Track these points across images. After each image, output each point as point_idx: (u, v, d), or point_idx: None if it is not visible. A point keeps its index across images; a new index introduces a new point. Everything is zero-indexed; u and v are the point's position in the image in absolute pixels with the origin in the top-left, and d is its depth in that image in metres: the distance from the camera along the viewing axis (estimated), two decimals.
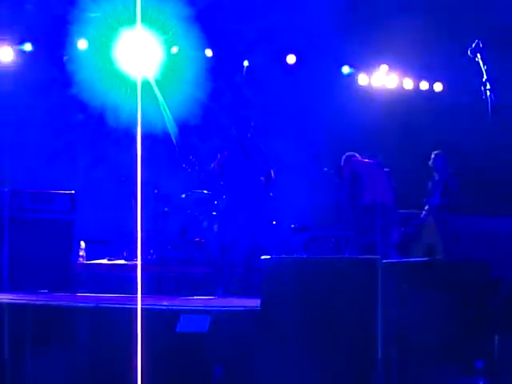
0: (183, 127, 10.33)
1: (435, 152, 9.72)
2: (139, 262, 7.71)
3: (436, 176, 9.67)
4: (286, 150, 11.01)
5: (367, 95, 11.97)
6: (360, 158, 9.25)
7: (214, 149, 8.89)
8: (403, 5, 10.31)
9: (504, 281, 5.21)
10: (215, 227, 8.98)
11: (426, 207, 9.60)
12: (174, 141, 10.05)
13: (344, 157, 9.31)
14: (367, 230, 8.63)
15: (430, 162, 9.69)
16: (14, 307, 5.24)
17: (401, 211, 9.59)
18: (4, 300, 5.49)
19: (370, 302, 4.30)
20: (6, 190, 7.62)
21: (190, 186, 9.81)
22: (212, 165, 8.34)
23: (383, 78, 12.11)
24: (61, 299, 5.87)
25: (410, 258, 7.52)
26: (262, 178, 8.31)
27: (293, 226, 10.48)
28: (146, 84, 9.58)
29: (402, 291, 4.56)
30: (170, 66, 10.49)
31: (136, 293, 4.67)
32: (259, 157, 8.23)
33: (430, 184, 9.67)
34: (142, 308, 4.49)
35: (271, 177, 8.36)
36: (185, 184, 9.89)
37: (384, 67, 12.01)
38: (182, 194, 9.71)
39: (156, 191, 9.77)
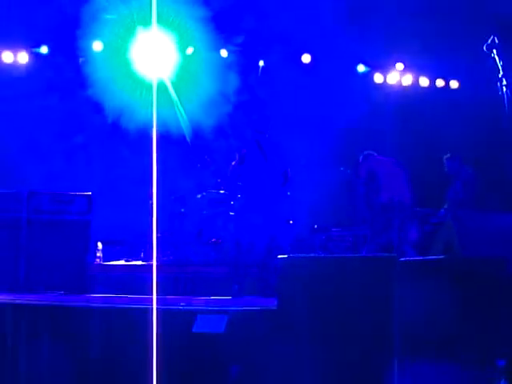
0: (198, 128, 10.34)
1: (445, 157, 9.65)
2: (155, 263, 7.71)
3: (451, 179, 9.60)
4: (302, 149, 10.98)
5: (383, 93, 11.94)
6: (377, 156, 9.20)
7: (230, 149, 8.88)
8: (418, 3, 10.25)
9: None
10: (231, 227, 8.96)
11: (445, 206, 9.55)
12: (189, 142, 10.07)
13: (362, 155, 9.27)
14: (384, 229, 8.60)
15: (445, 168, 9.63)
16: (31, 308, 5.26)
17: (419, 209, 9.54)
18: (21, 301, 5.51)
19: (386, 300, 4.28)
20: (23, 191, 7.65)
21: (205, 187, 9.81)
22: (233, 163, 8.31)
23: (399, 76, 12.06)
24: (77, 300, 5.89)
25: (428, 256, 7.48)
26: (280, 178, 8.28)
27: (316, 226, 10.47)
28: (161, 85, 9.60)
29: (420, 289, 4.53)
30: (185, 67, 10.50)
31: (152, 293, 4.68)
32: (277, 156, 8.20)
33: (449, 189, 9.60)
34: (158, 309, 4.49)
35: (288, 176, 8.34)
36: (200, 184, 9.89)
37: (399, 65, 11.96)
38: (198, 194, 9.71)
39: (183, 210, 9.74)
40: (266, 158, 8.09)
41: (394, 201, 8.67)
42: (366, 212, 8.90)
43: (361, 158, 9.26)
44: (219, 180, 9.71)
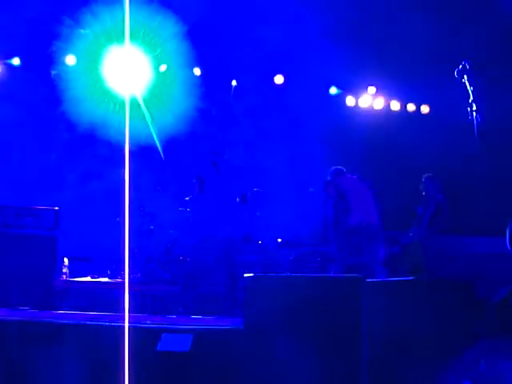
0: (171, 145, 10.32)
1: (425, 175, 9.71)
2: (127, 281, 7.65)
3: (426, 200, 9.65)
4: (273, 168, 11.02)
5: (355, 116, 12.02)
6: (346, 174, 9.14)
7: (188, 170, 8.87)
8: (391, 27, 10.36)
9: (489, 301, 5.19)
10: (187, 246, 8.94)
11: (414, 227, 9.59)
12: (162, 156, 10.04)
13: (330, 171, 9.17)
14: (352, 249, 8.59)
15: (421, 187, 9.68)
16: None
17: (387, 231, 9.57)
18: None
19: (353, 321, 4.27)
20: None
21: (175, 204, 9.78)
22: (194, 193, 8.33)
23: (370, 100, 12.16)
24: (43, 316, 5.80)
25: (396, 277, 7.50)
26: (238, 199, 8.30)
27: (279, 240, 10.46)
28: (134, 101, 9.58)
29: (387, 311, 4.53)
30: (158, 84, 10.49)
31: (121, 311, 4.62)
32: (234, 178, 8.21)
33: (419, 209, 9.65)
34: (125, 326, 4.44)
35: (247, 199, 8.36)
36: (170, 202, 9.86)
37: (371, 89, 12.07)
38: (166, 211, 9.68)
39: (142, 209, 9.73)
40: (221, 179, 8.10)
41: (362, 225, 8.65)
42: (334, 232, 8.88)
43: (329, 174, 9.16)
44: (187, 198, 9.69)
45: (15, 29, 10.03)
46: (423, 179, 9.69)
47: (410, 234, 9.59)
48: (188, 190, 8.42)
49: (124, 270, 9.05)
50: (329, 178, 9.09)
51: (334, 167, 9.14)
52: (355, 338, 4.29)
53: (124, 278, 8.93)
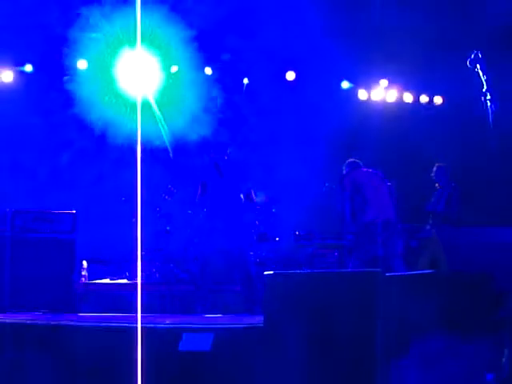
0: (183, 146, 10.34)
1: (437, 164, 9.72)
2: (139, 281, 7.68)
3: (439, 188, 9.66)
4: (287, 165, 11.02)
5: (367, 110, 11.99)
6: (363, 167, 9.09)
7: (191, 175, 8.87)
8: (402, 19, 10.32)
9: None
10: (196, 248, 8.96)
11: (430, 221, 9.57)
12: (172, 158, 10.08)
13: (346, 164, 9.12)
14: (369, 244, 8.56)
15: (432, 174, 9.70)
16: (16, 327, 5.21)
17: (404, 225, 9.55)
18: (6, 320, 5.45)
19: (371, 315, 4.26)
20: (7, 209, 7.61)
21: (187, 205, 9.81)
22: (197, 197, 8.35)
23: (383, 93, 12.13)
24: (63, 319, 5.84)
25: (415, 271, 7.48)
26: (242, 197, 8.30)
27: (297, 232, 10.46)
28: (145, 103, 9.61)
29: (405, 304, 4.52)
30: (169, 86, 10.52)
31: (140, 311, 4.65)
32: (238, 178, 8.22)
33: (433, 195, 9.66)
34: (144, 327, 4.45)
35: (252, 197, 8.38)
36: (184, 202, 9.89)
37: (384, 82, 12.03)
38: (181, 212, 9.71)
39: (158, 209, 9.77)
40: (224, 180, 8.12)
41: (378, 219, 8.61)
42: (351, 226, 8.83)
43: (345, 167, 9.12)
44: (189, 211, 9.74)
45: (27, 36, 10.09)
46: (435, 168, 9.69)
47: (428, 228, 9.57)
48: (192, 192, 8.45)
49: (141, 271, 9.10)
50: (345, 171, 9.05)
51: (350, 160, 9.09)
52: (373, 333, 4.28)
53: (141, 279, 8.98)
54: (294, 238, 10.42)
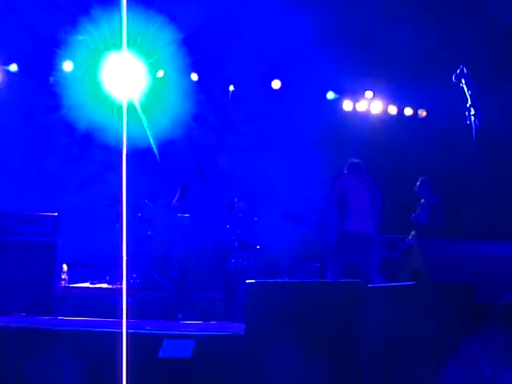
0: (168, 150, 10.33)
1: (421, 178, 9.76)
2: (124, 286, 7.64)
3: (422, 202, 9.70)
4: (270, 173, 11.03)
5: (352, 120, 12.04)
6: (361, 171, 8.91)
7: (175, 179, 8.86)
8: (388, 32, 10.38)
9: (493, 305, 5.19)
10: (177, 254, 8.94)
11: (413, 232, 9.61)
12: (159, 160, 10.04)
13: (347, 164, 8.90)
14: (346, 257, 8.54)
15: (416, 188, 9.74)
16: None
17: (385, 236, 9.57)
18: None
19: (354, 326, 4.28)
20: None
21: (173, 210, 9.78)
22: (174, 201, 8.34)
23: (368, 104, 12.19)
24: (42, 322, 5.79)
25: (395, 282, 7.50)
26: (225, 207, 8.31)
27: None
28: (131, 106, 9.59)
29: (388, 315, 4.53)
30: (155, 90, 10.51)
31: (120, 317, 4.62)
32: (221, 186, 8.23)
33: (418, 207, 9.69)
34: (127, 332, 4.43)
35: (235, 207, 8.39)
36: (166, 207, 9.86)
37: (369, 93, 12.09)
38: (162, 217, 9.67)
39: (139, 214, 9.72)
40: (208, 187, 8.12)
41: (356, 232, 8.57)
42: (334, 230, 8.77)
43: (346, 166, 8.94)
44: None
45: (13, 35, 10.04)
46: (418, 182, 9.73)
47: (410, 239, 9.61)
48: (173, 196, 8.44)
49: (124, 276, 9.05)
50: (343, 172, 8.87)
51: (352, 160, 8.92)
52: (356, 343, 4.30)
53: (122, 284, 8.93)
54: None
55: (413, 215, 9.86)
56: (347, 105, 12.19)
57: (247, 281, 4.73)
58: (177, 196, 8.19)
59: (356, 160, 8.91)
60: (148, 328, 5.26)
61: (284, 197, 10.82)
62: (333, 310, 4.37)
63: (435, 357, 4.61)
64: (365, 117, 12.15)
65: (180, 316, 7.69)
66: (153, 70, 10.64)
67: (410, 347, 4.60)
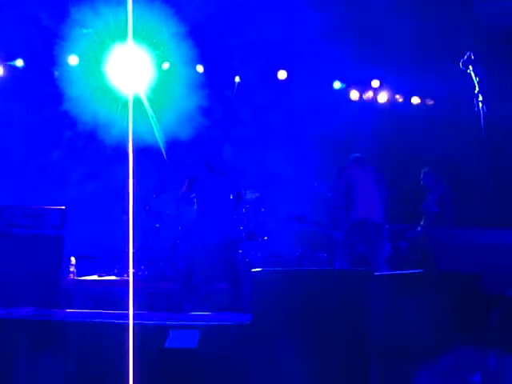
0: (175, 143, 10.32)
1: (423, 170, 9.71)
2: (131, 278, 7.64)
3: (427, 194, 9.66)
4: (277, 164, 11.01)
5: (359, 110, 12.00)
6: (364, 164, 8.96)
7: (182, 172, 8.85)
8: (394, 20, 10.33)
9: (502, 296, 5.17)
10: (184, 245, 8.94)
11: (421, 222, 9.58)
12: (165, 156, 10.04)
13: (349, 158, 8.98)
14: (354, 246, 8.55)
15: (421, 181, 9.70)
16: (4, 322, 5.18)
17: (393, 225, 9.55)
18: None
19: (361, 314, 4.26)
20: None
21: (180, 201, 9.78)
22: (181, 191, 8.35)
23: (375, 93, 12.14)
24: (50, 314, 5.81)
25: (403, 270, 7.49)
26: (231, 197, 8.30)
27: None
28: (137, 99, 9.58)
29: (394, 304, 4.52)
30: (161, 82, 10.49)
31: (127, 309, 4.62)
32: (229, 177, 8.23)
33: (424, 203, 9.64)
34: (134, 324, 4.44)
35: (242, 197, 8.40)
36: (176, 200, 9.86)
37: (375, 82, 12.04)
38: (170, 209, 9.68)
39: (147, 207, 9.74)
40: (215, 178, 8.11)
41: (363, 221, 8.59)
42: (342, 220, 8.79)
43: (348, 161, 9.00)
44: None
45: (18, 30, 10.05)
46: (422, 174, 9.69)
47: (418, 229, 9.58)
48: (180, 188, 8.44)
49: (131, 268, 9.07)
50: (345, 165, 8.95)
51: (354, 155, 9.01)
52: (363, 332, 4.28)
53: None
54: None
55: (423, 204, 9.82)
56: (354, 94, 12.15)
57: (253, 269, 4.71)
58: (184, 186, 8.19)
59: (357, 154, 8.97)
60: (154, 319, 5.27)
61: (288, 192, 10.81)
62: (339, 299, 4.35)
63: (441, 346, 4.59)
64: (372, 106, 12.12)
65: (187, 307, 7.69)
66: (158, 62, 10.63)
67: (417, 336, 4.58)
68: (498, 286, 5.29)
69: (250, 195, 9.55)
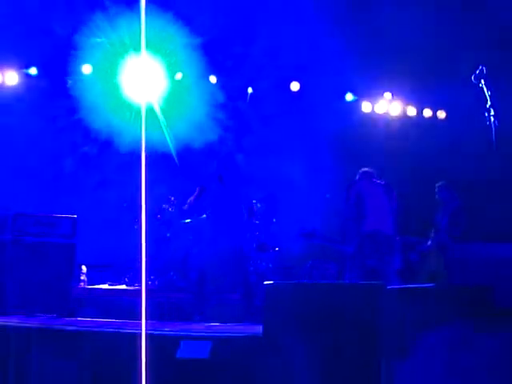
0: (187, 152, 10.35)
1: (439, 184, 9.67)
2: (144, 288, 7.64)
3: (442, 207, 9.60)
4: (289, 175, 11.01)
5: (371, 122, 12.01)
6: (373, 178, 9.02)
7: (194, 182, 8.88)
8: (406, 33, 10.35)
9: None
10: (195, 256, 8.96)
11: (432, 234, 9.55)
12: (178, 165, 10.07)
13: (359, 173, 9.07)
14: (365, 259, 8.56)
15: (436, 195, 9.64)
16: (16, 331, 5.20)
17: (405, 238, 9.54)
18: (6, 323, 5.44)
19: (374, 327, 4.25)
20: (8, 213, 7.59)
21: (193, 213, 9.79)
22: (191, 199, 8.38)
23: (386, 106, 12.15)
24: (61, 323, 5.82)
25: (415, 284, 7.47)
26: (244, 211, 8.34)
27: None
28: (150, 109, 9.62)
29: (406, 317, 4.51)
30: (174, 92, 10.53)
31: (139, 318, 4.63)
32: (241, 191, 8.26)
33: (437, 216, 9.59)
34: (146, 334, 4.45)
35: (254, 210, 8.45)
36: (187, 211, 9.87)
37: (387, 95, 12.05)
38: (186, 219, 9.69)
39: (159, 216, 9.75)
40: (226, 192, 8.14)
41: (374, 234, 8.61)
42: (353, 234, 8.82)
43: (357, 175, 9.08)
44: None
45: (32, 39, 10.11)
46: (437, 188, 9.65)
47: (429, 242, 9.55)
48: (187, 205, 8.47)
49: (141, 278, 9.08)
50: (355, 180, 9.01)
51: (363, 169, 9.07)
52: (375, 345, 4.27)
53: (140, 285, 8.96)
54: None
55: (436, 217, 9.77)
56: (366, 106, 12.16)
57: (265, 282, 4.72)
58: (194, 195, 8.23)
59: (366, 168, 9.03)
60: (166, 329, 5.28)
61: (300, 203, 10.80)
62: (351, 312, 4.35)
63: (452, 358, 4.59)
64: (384, 118, 12.12)
65: (198, 318, 7.69)
66: (171, 72, 10.67)
67: (427, 349, 4.58)
68: (510, 298, 5.29)
69: (260, 206, 9.58)
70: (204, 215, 8.61)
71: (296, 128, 11.58)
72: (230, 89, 11.41)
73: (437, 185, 9.69)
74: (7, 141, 10.45)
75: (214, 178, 8.16)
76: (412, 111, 12.21)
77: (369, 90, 11.99)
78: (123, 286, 9.24)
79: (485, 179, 10.01)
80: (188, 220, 9.67)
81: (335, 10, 10.32)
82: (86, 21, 9.89)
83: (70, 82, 10.68)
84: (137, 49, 9.53)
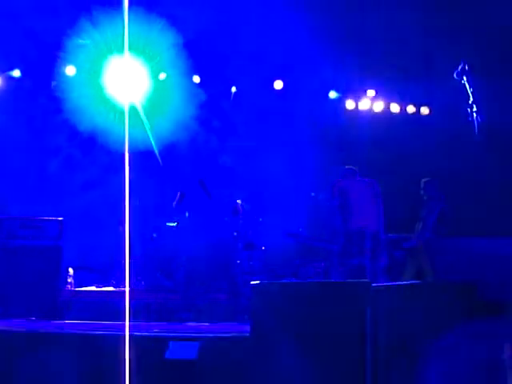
0: (171, 153, 10.34)
1: (424, 180, 9.71)
2: (127, 289, 7.66)
3: (428, 203, 9.64)
4: (274, 173, 11.03)
5: (355, 119, 12.04)
6: (356, 176, 9.09)
7: (175, 187, 8.90)
8: (389, 30, 10.39)
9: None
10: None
11: (418, 230, 9.59)
12: (161, 165, 10.06)
13: (341, 171, 9.16)
14: (352, 255, 8.60)
15: (422, 191, 9.68)
16: (2, 334, 5.19)
17: (389, 235, 9.58)
18: None
19: (360, 325, 4.28)
20: None
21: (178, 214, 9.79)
22: (174, 203, 8.40)
23: (370, 103, 12.18)
24: (48, 326, 5.81)
25: (400, 281, 7.52)
26: (228, 212, 8.38)
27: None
28: (133, 109, 9.60)
29: (393, 315, 4.54)
30: (157, 93, 10.52)
31: (124, 320, 4.64)
32: (224, 193, 8.30)
33: (422, 212, 9.62)
34: (130, 335, 4.45)
35: (239, 210, 8.47)
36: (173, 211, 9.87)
37: (371, 92, 12.09)
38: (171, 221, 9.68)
39: (155, 235, 9.69)
40: (209, 196, 8.17)
41: (360, 231, 8.66)
42: (338, 234, 8.87)
43: (340, 174, 9.15)
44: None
45: (15, 41, 10.07)
46: (422, 184, 9.68)
47: (414, 239, 9.59)
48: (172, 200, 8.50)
49: (128, 279, 9.07)
50: (338, 179, 9.09)
51: (345, 167, 9.13)
52: (361, 343, 4.30)
53: (128, 287, 8.95)
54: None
55: (421, 213, 9.81)
56: (350, 104, 12.19)
57: (252, 282, 4.74)
58: (176, 199, 8.26)
59: (348, 166, 9.08)
60: (154, 330, 5.28)
61: (285, 202, 10.83)
62: (338, 311, 4.37)
63: (439, 356, 4.62)
64: (367, 115, 12.15)
65: (185, 317, 7.70)
66: (155, 72, 10.66)
67: (416, 346, 4.61)
68: (494, 293, 5.33)
69: (246, 206, 9.59)
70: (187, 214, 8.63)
71: (280, 126, 11.60)
72: (214, 88, 11.41)
73: (422, 180, 9.73)
74: None
75: (194, 183, 8.20)
76: (395, 108, 12.24)
77: (352, 87, 12.02)
78: (110, 288, 9.22)
79: (469, 174, 10.07)
80: (172, 224, 9.66)
81: (317, 9, 10.33)
82: (69, 22, 9.85)
83: (53, 83, 10.64)
84: (120, 50, 9.50)
